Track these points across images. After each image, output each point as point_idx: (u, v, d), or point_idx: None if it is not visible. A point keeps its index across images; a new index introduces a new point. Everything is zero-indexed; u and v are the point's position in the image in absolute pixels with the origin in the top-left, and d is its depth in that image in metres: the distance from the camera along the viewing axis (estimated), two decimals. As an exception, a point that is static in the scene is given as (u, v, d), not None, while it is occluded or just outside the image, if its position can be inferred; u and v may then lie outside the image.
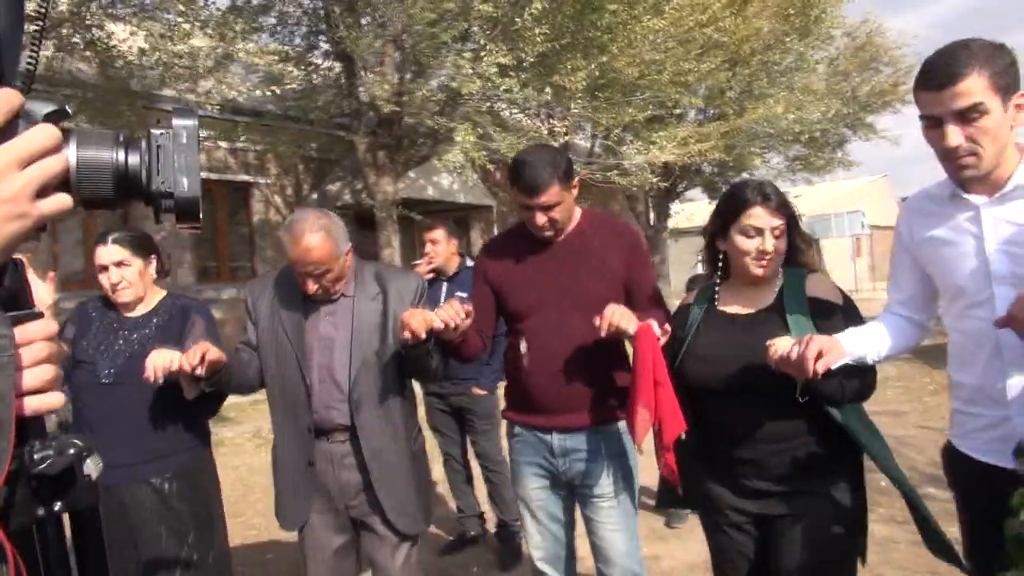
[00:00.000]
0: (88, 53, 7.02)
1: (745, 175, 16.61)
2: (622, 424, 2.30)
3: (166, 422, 2.38)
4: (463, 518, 4.29)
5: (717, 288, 2.13)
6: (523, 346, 2.32)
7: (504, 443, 4.33)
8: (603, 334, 2.01)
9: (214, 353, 2.06)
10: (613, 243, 2.34)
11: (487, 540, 4.25)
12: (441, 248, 4.06)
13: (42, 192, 0.68)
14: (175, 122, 0.76)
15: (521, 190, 2.22)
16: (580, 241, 2.34)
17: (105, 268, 2.39)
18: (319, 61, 9.84)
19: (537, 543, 2.47)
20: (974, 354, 1.71)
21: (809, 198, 23.63)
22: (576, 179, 2.34)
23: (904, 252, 1.90)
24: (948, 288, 1.77)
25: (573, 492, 2.41)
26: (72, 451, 0.74)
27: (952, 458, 1.84)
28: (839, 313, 1.97)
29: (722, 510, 2.07)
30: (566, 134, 11.70)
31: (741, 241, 1.98)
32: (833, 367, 1.73)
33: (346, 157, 10.76)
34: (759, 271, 1.98)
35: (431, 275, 4.17)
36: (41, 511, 0.72)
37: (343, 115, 9.69)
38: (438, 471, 4.85)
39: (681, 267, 21.59)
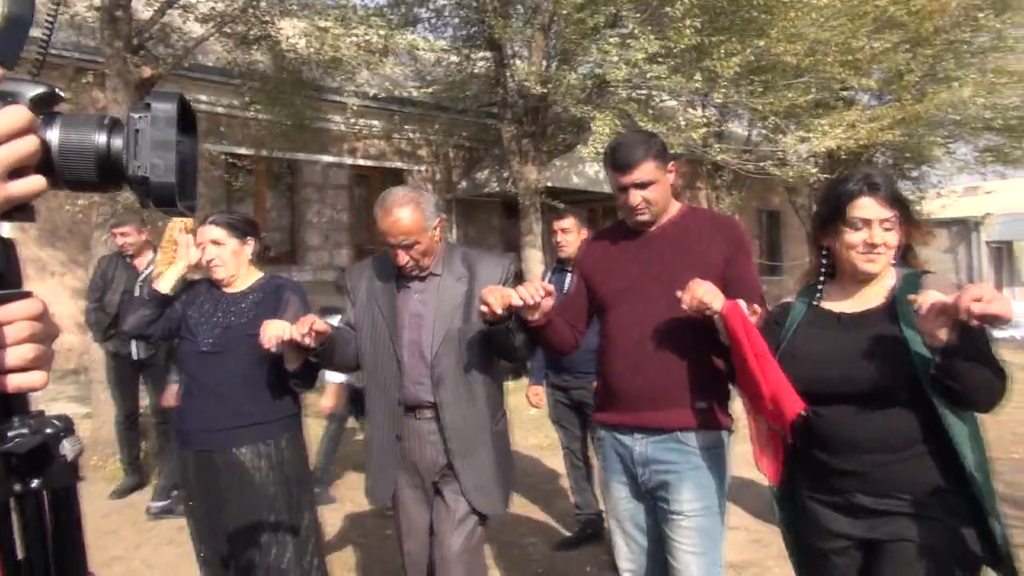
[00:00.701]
0: (260, 47, 7.53)
1: (925, 168, 15.18)
2: (710, 435, 2.19)
3: (261, 391, 2.54)
4: (580, 515, 4.22)
5: (821, 286, 2.01)
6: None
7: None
8: (685, 306, 1.95)
9: (321, 325, 2.19)
10: (713, 236, 2.26)
11: (604, 540, 4.15)
12: (572, 237, 4.01)
13: (15, 174, 0.68)
14: (154, 105, 0.75)
15: (615, 168, 2.21)
16: (676, 232, 2.28)
17: (203, 245, 2.61)
18: (470, 51, 10.03)
19: (625, 556, 2.35)
20: None
21: (1003, 195, 21.23)
22: (673, 164, 2.28)
23: None
24: None
25: (654, 503, 2.28)
26: (49, 430, 0.75)
27: None
28: None
29: (823, 534, 1.89)
30: (720, 123, 11.21)
31: (848, 234, 1.87)
32: (1000, 331, 1.51)
33: (495, 145, 10.91)
34: (867, 266, 1.86)
35: (557, 266, 4.13)
36: (18, 487, 0.73)
37: (491, 103, 9.84)
38: (558, 464, 4.86)
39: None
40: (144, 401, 5.22)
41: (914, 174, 15.42)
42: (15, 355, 0.71)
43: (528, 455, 5.92)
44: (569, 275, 3.98)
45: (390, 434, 2.41)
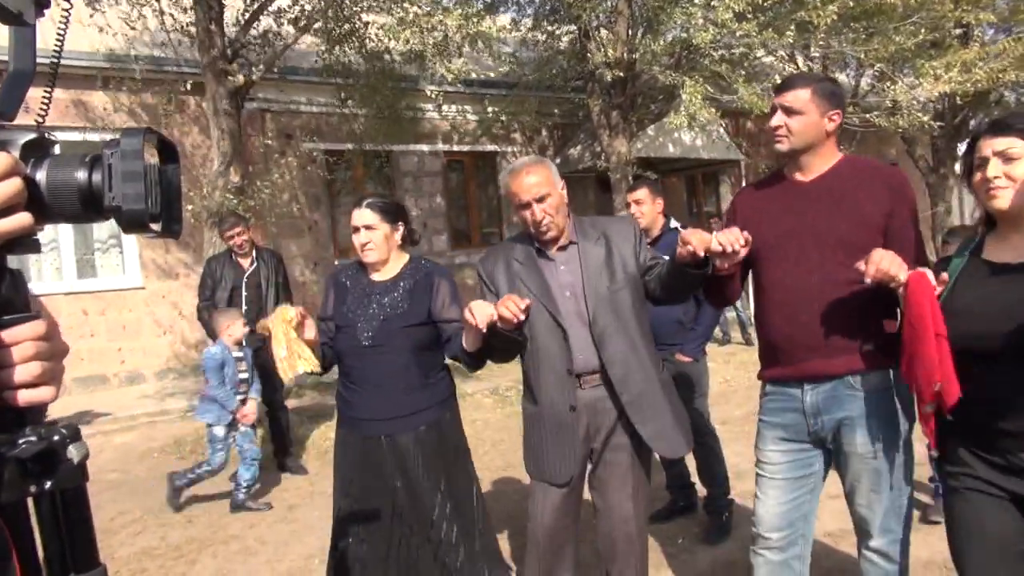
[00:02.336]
0: (348, 44, 7.75)
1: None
2: (877, 376, 2.14)
3: (420, 379, 2.63)
4: (672, 487, 4.18)
5: (982, 238, 1.93)
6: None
7: (712, 412, 4.15)
8: (868, 280, 1.88)
9: (526, 301, 2.24)
10: (872, 186, 2.18)
11: (696, 513, 4.10)
12: (647, 208, 3.94)
13: (2, 212, 0.76)
14: (123, 140, 0.81)
15: (775, 88, 2.26)
16: (834, 182, 2.21)
17: (357, 229, 2.66)
18: (555, 28, 9.93)
19: (770, 516, 2.28)
20: None
21: None
22: (837, 112, 2.21)
23: None
24: None
25: (827, 456, 2.27)
26: (56, 438, 0.83)
27: None
28: None
29: (975, 478, 1.83)
30: (823, 76, 10.57)
31: (974, 179, 1.85)
32: None
33: (586, 121, 10.80)
34: (992, 203, 1.80)
35: None
36: (33, 488, 0.82)
37: (579, 78, 9.72)
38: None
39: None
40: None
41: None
42: (23, 372, 0.80)
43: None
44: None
45: (564, 406, 2.41)
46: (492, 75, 10.39)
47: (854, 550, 2.38)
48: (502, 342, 2.33)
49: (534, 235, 2.46)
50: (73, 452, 0.85)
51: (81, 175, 0.80)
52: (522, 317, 2.20)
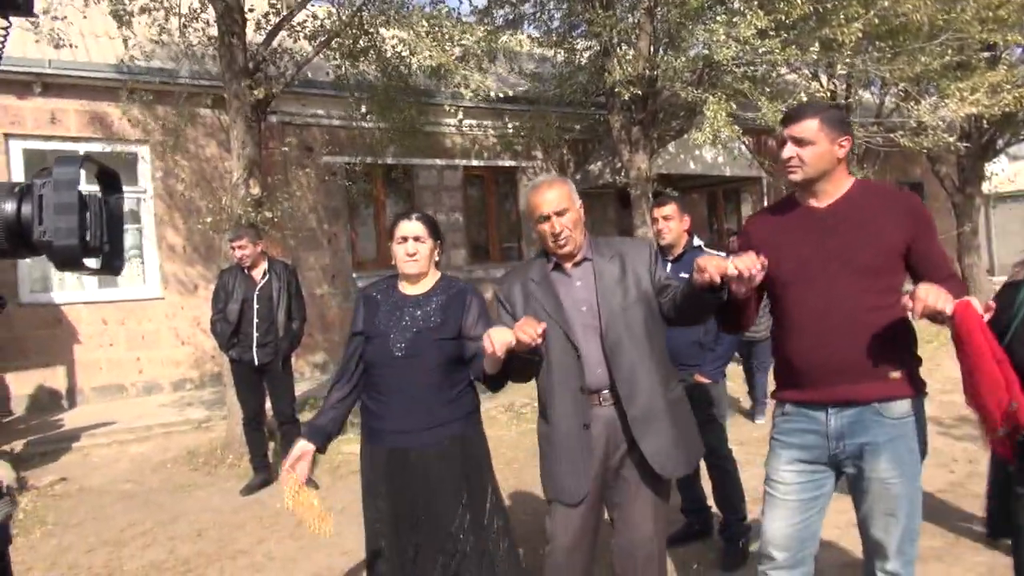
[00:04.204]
0: (366, 58, 7.78)
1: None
2: (903, 404, 2.17)
3: (449, 392, 2.64)
4: (687, 510, 4.09)
5: None
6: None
7: (731, 435, 4.06)
8: (917, 317, 1.91)
9: (542, 324, 2.25)
10: (891, 212, 2.21)
11: (712, 538, 4.00)
12: (674, 224, 3.87)
13: None
14: (56, 170, 0.75)
15: (782, 121, 2.28)
16: (849, 208, 2.24)
17: (405, 239, 2.67)
18: (577, 44, 9.93)
19: (779, 536, 2.30)
20: None
21: None
22: (846, 138, 2.24)
23: None
24: None
25: (840, 478, 2.31)
26: None
27: None
28: None
29: None
30: (847, 94, 10.47)
31: None
32: None
33: (606, 136, 10.75)
34: None
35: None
36: None
37: (599, 94, 9.68)
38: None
39: (1006, 237, 18.30)
40: (269, 403, 5.54)
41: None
42: None
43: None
44: (670, 263, 3.86)
45: (577, 424, 2.44)
46: (511, 92, 10.42)
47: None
48: (520, 364, 2.35)
49: (551, 248, 2.52)
50: None
51: (8, 207, 0.74)
52: (539, 341, 2.22)
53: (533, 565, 3.57)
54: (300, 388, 6.31)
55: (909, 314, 1.90)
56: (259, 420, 5.45)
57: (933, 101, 8.88)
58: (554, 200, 2.46)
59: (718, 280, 2.10)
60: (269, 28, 6.87)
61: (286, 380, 5.46)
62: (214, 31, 6.66)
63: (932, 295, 1.86)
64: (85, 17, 7.41)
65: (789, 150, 2.22)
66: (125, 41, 7.00)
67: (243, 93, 6.16)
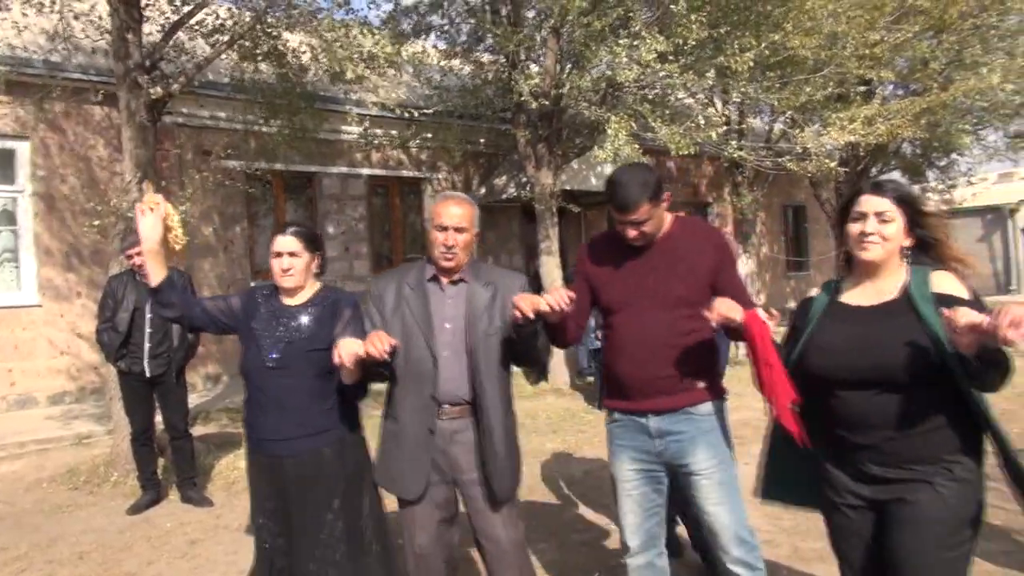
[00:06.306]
0: (267, 61, 7.57)
1: (954, 156, 14.79)
2: (708, 405, 2.56)
3: (324, 401, 2.68)
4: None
5: (840, 281, 2.28)
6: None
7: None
8: (713, 323, 2.26)
9: (393, 339, 2.39)
10: (702, 247, 2.60)
11: (684, 557, 3.82)
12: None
13: None
14: None
15: (615, 207, 2.51)
16: (670, 245, 2.60)
17: (279, 255, 2.72)
18: (484, 58, 10.02)
19: (633, 529, 2.62)
20: None
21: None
22: (666, 195, 2.55)
23: None
24: None
25: (671, 473, 2.61)
26: None
27: None
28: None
29: (840, 492, 2.18)
30: (740, 120, 11.03)
31: (850, 227, 2.14)
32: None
33: (512, 151, 10.89)
34: (862, 253, 2.11)
35: None
36: None
37: (506, 109, 9.80)
38: (574, 469, 4.70)
39: (878, 258, 19.71)
40: (158, 417, 5.27)
41: (942, 163, 15.05)
42: None
43: (545, 460, 5.88)
44: None
45: (422, 428, 2.58)
46: (419, 103, 10.39)
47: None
48: (370, 374, 2.54)
49: (436, 257, 2.65)
50: None
51: None
52: (387, 358, 2.36)
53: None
54: (193, 400, 6.03)
55: (713, 324, 2.26)
56: (148, 435, 5.17)
57: (816, 129, 9.50)
58: (457, 216, 2.61)
59: (531, 316, 2.34)
60: (168, 24, 6.59)
61: (179, 392, 5.20)
62: (109, 23, 6.32)
63: (726, 306, 2.23)
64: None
65: (632, 231, 2.51)
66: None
67: (137, 92, 5.87)
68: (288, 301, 2.78)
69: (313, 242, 2.79)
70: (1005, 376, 1.89)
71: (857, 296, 2.17)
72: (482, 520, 2.64)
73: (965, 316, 1.76)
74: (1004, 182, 23.00)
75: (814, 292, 2.33)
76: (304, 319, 2.72)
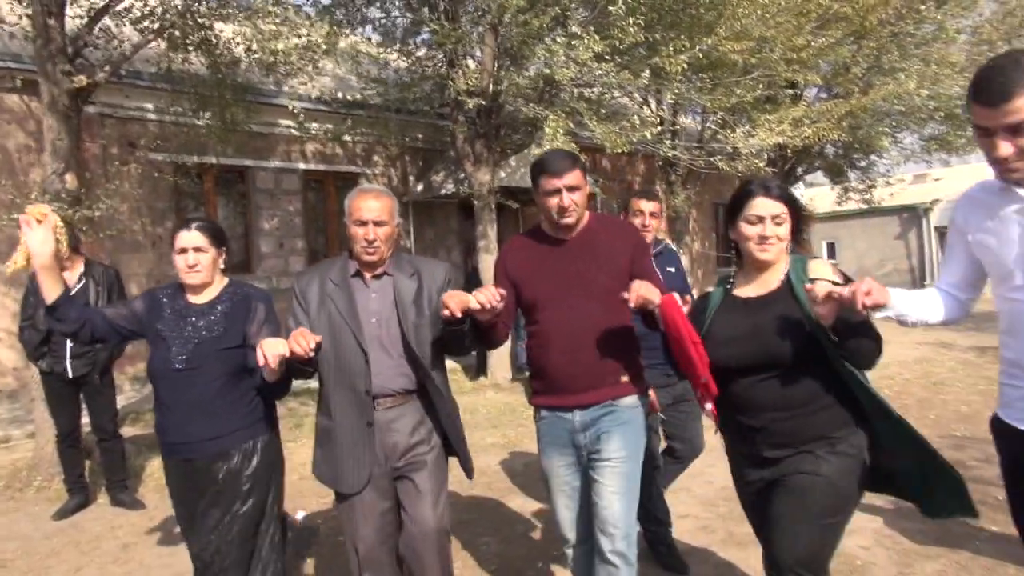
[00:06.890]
0: (198, 52, 7.35)
1: (873, 158, 15.49)
2: (632, 398, 2.62)
3: (236, 401, 2.62)
4: None
5: (732, 276, 2.43)
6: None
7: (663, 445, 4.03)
8: (632, 304, 2.31)
9: (317, 338, 2.36)
10: (619, 240, 2.67)
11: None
12: (655, 223, 3.72)
13: None
14: None
15: (550, 174, 2.55)
16: (589, 239, 2.66)
17: (184, 251, 2.62)
18: (421, 52, 9.96)
19: (568, 523, 2.69)
20: (1015, 331, 1.88)
21: (951, 181, 21.78)
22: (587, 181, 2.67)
23: (958, 237, 2.06)
24: (994, 271, 1.95)
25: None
26: None
27: (997, 428, 1.99)
28: None
29: (744, 474, 2.37)
30: (673, 120, 11.29)
31: (745, 228, 2.27)
32: (878, 313, 1.97)
33: (450, 147, 10.86)
34: (762, 255, 2.26)
35: None
36: None
37: (443, 105, 9.78)
38: (515, 463, 4.75)
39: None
40: (85, 419, 5.08)
41: (862, 164, 15.76)
42: None
43: (484, 454, 5.92)
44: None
45: (360, 421, 2.56)
46: (354, 96, 10.26)
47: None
48: (293, 372, 2.51)
49: (359, 252, 2.61)
50: None
51: None
52: (311, 355, 2.34)
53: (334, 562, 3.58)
54: (120, 402, 5.81)
55: (631, 305, 2.32)
56: (75, 437, 4.98)
57: (746, 130, 9.81)
58: (376, 210, 2.57)
59: (459, 314, 2.34)
60: (94, 10, 6.32)
61: (106, 393, 5.02)
62: (28, 6, 6.03)
63: (644, 288, 2.31)
64: None
65: (567, 198, 2.53)
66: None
67: (60, 79, 5.62)
68: (194, 299, 2.69)
69: (218, 237, 2.71)
70: (874, 351, 2.08)
71: (749, 289, 2.34)
72: (412, 501, 2.63)
73: (822, 287, 1.96)
74: (919, 183, 24.23)
75: (710, 288, 2.48)
76: (212, 317, 2.64)
